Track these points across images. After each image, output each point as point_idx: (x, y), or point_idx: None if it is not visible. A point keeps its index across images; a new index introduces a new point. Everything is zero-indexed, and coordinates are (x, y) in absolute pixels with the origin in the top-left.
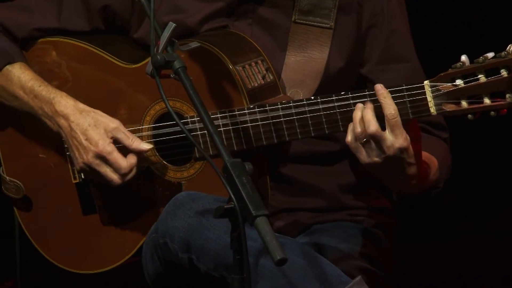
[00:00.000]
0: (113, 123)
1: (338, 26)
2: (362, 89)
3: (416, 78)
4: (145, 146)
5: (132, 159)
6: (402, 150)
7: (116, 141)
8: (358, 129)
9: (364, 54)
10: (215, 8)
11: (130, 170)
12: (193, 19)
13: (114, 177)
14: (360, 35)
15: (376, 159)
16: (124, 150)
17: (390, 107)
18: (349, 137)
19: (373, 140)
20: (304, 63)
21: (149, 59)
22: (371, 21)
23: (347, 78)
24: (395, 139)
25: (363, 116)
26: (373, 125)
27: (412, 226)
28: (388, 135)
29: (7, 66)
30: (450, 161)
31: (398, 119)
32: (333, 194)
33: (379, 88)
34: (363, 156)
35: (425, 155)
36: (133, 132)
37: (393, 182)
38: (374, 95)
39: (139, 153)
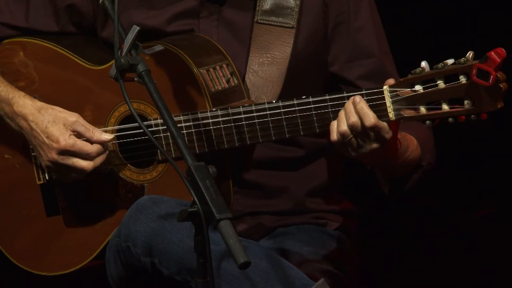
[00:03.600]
0: (71, 116)
1: (301, 25)
2: (323, 93)
3: (384, 73)
4: (107, 136)
5: (97, 144)
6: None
7: (77, 135)
8: (355, 118)
9: (332, 53)
10: (180, 8)
11: (98, 154)
12: (159, 19)
13: (84, 164)
14: (327, 34)
15: (362, 151)
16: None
17: (369, 117)
18: (338, 133)
19: (372, 132)
20: (268, 64)
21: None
22: (338, 19)
23: (312, 78)
24: (387, 134)
25: (359, 110)
26: (373, 117)
27: (382, 230)
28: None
29: None
30: (432, 143)
31: (379, 123)
32: (298, 198)
33: (357, 100)
34: (350, 149)
35: (401, 134)
36: None
37: (375, 164)
38: (336, 99)
39: (101, 144)
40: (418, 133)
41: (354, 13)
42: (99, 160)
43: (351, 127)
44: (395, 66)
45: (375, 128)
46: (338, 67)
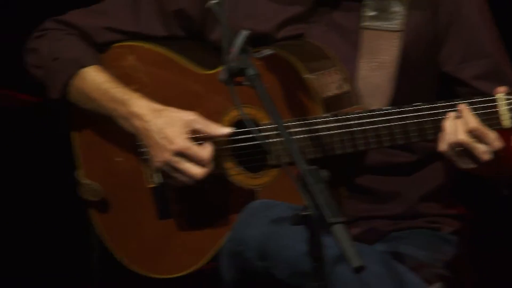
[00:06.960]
0: (188, 115)
1: (408, 27)
2: (435, 96)
3: (500, 72)
4: (226, 130)
5: (209, 147)
6: (498, 151)
7: (195, 133)
8: (452, 139)
9: (444, 53)
10: (291, 13)
11: (211, 160)
12: (269, 24)
13: (196, 171)
14: (438, 34)
15: (472, 165)
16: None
17: (470, 122)
18: (444, 146)
19: (465, 148)
20: (377, 69)
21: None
22: (449, 18)
23: (423, 81)
24: (487, 146)
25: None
26: (460, 134)
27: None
28: (479, 144)
29: (82, 69)
30: None
31: (482, 129)
32: (411, 203)
33: (461, 107)
34: (460, 163)
35: None
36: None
37: (494, 176)
38: (449, 106)
39: (220, 138)
40: None
41: (467, 12)
42: (210, 166)
43: (463, 140)
44: (510, 64)
45: (477, 132)
46: (451, 67)
